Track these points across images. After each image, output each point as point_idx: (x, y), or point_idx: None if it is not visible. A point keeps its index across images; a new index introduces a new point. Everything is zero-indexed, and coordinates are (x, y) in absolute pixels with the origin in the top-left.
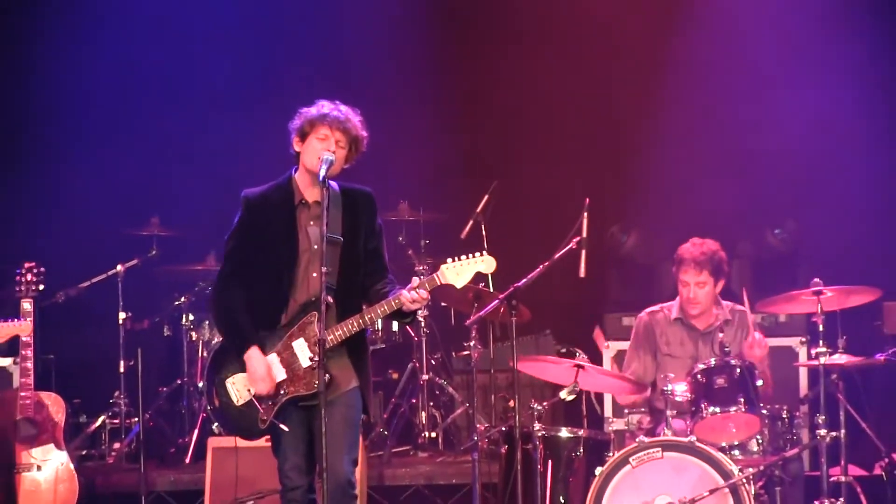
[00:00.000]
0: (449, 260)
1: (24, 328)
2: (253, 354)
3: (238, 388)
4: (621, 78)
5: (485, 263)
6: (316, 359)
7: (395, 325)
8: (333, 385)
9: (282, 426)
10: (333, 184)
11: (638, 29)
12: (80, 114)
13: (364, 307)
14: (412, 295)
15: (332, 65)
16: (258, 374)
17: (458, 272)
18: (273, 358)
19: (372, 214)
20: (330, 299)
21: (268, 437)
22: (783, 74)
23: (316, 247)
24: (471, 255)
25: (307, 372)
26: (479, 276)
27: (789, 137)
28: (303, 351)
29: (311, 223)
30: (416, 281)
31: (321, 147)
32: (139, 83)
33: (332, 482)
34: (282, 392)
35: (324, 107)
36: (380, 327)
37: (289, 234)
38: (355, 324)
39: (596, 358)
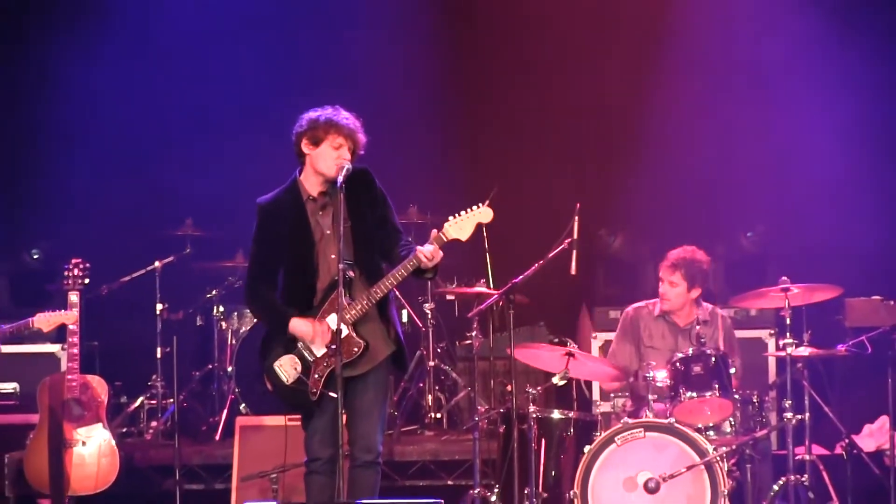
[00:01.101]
0: (450, 217)
1: (69, 317)
2: (295, 322)
3: (286, 370)
4: (609, 94)
5: (482, 214)
6: (343, 327)
7: (404, 316)
8: (369, 355)
9: (331, 393)
10: None
11: (624, 45)
12: (122, 122)
13: (385, 269)
14: (426, 252)
15: (348, 81)
16: (309, 335)
17: (460, 226)
18: (316, 323)
19: (370, 188)
20: (351, 273)
21: (295, 415)
22: (758, 86)
23: (329, 232)
24: (469, 209)
25: (343, 342)
26: (482, 272)
27: (759, 147)
28: (335, 323)
29: (320, 213)
30: (431, 239)
31: (336, 155)
32: (173, 98)
33: (363, 450)
34: (325, 364)
35: (333, 114)
36: None
37: (303, 228)
38: (378, 290)
39: (584, 347)
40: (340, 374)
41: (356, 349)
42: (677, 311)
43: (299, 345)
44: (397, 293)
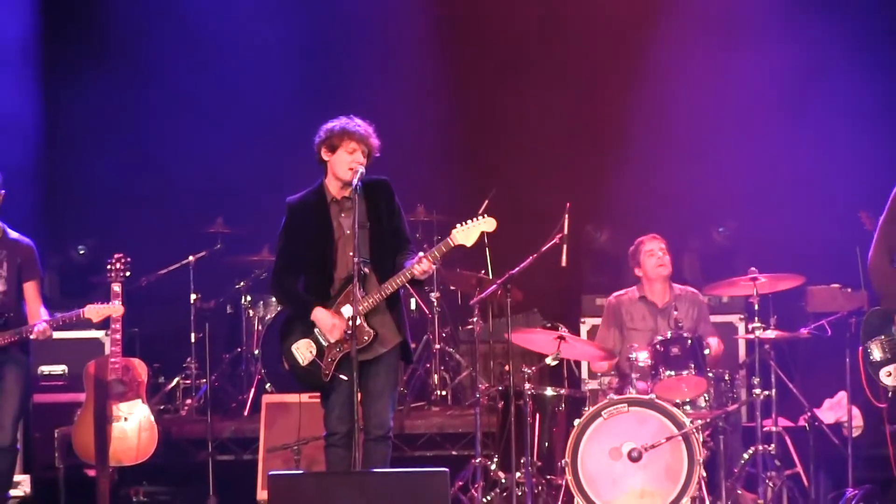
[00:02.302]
0: (458, 224)
1: (116, 310)
2: (318, 312)
3: (302, 352)
4: (595, 103)
5: (487, 223)
6: (358, 319)
7: (412, 304)
8: (379, 341)
9: (341, 376)
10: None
11: (606, 56)
12: (158, 127)
13: (389, 277)
14: (419, 269)
15: (362, 96)
16: (328, 325)
17: (466, 234)
18: (331, 312)
19: (389, 198)
20: (366, 270)
21: (315, 393)
22: (733, 96)
23: (348, 232)
24: (475, 218)
25: (357, 330)
26: (482, 264)
27: (731, 150)
28: (349, 314)
29: (343, 215)
30: (420, 254)
31: (350, 159)
32: (203, 103)
33: (377, 427)
34: (337, 349)
35: (346, 123)
36: None
37: (326, 226)
38: (380, 295)
39: (574, 331)
40: (356, 357)
41: (367, 337)
42: (661, 286)
43: (315, 331)
44: (407, 284)
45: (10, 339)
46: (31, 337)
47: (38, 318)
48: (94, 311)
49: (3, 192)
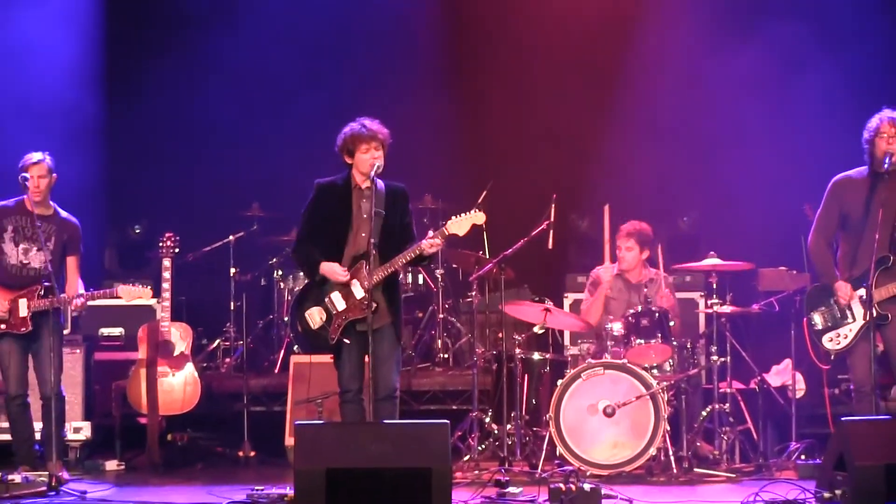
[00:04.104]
0: (453, 216)
1: (146, 294)
2: (324, 265)
3: (313, 317)
4: (575, 106)
5: (477, 217)
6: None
7: (420, 279)
8: (379, 314)
9: (345, 340)
10: (380, 182)
11: (582, 67)
12: (206, 124)
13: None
14: (428, 242)
15: (381, 94)
16: (337, 272)
17: (458, 225)
18: (336, 294)
19: (405, 202)
20: (374, 252)
21: (332, 354)
22: (700, 96)
23: (365, 216)
24: (467, 212)
25: (360, 301)
26: (480, 246)
27: (692, 147)
28: (356, 287)
29: (363, 201)
30: (431, 233)
31: (368, 158)
32: (246, 107)
33: (384, 388)
34: (343, 317)
35: (356, 129)
36: (410, 281)
37: (346, 208)
38: (390, 267)
39: (559, 305)
40: (371, 324)
41: (368, 308)
42: (631, 270)
43: (325, 300)
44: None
45: (50, 305)
46: (70, 308)
47: (75, 290)
48: (126, 292)
49: (55, 175)
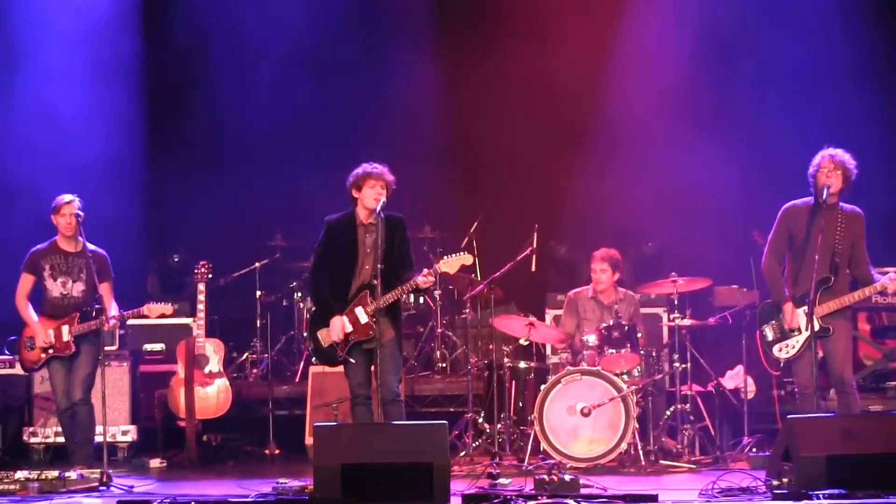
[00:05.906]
0: (444, 257)
1: (167, 310)
2: (334, 320)
3: (324, 338)
4: (551, 148)
5: (465, 258)
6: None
7: (421, 300)
8: (383, 329)
9: (350, 359)
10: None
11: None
12: (232, 157)
13: (396, 285)
14: (423, 279)
15: (386, 139)
16: (336, 329)
17: (449, 265)
18: (343, 318)
19: (402, 231)
20: (376, 281)
21: (342, 366)
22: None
23: (369, 251)
24: (457, 254)
25: (364, 326)
26: (465, 268)
27: (655, 180)
28: (361, 313)
29: (367, 236)
30: (426, 271)
31: (373, 194)
32: (261, 139)
33: (387, 393)
34: (350, 339)
35: (367, 168)
36: (412, 301)
37: (352, 244)
38: (390, 297)
39: (541, 320)
40: (378, 341)
41: (371, 332)
42: (604, 292)
43: None
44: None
45: (89, 327)
46: (105, 328)
47: (110, 312)
48: (150, 309)
49: (83, 214)
